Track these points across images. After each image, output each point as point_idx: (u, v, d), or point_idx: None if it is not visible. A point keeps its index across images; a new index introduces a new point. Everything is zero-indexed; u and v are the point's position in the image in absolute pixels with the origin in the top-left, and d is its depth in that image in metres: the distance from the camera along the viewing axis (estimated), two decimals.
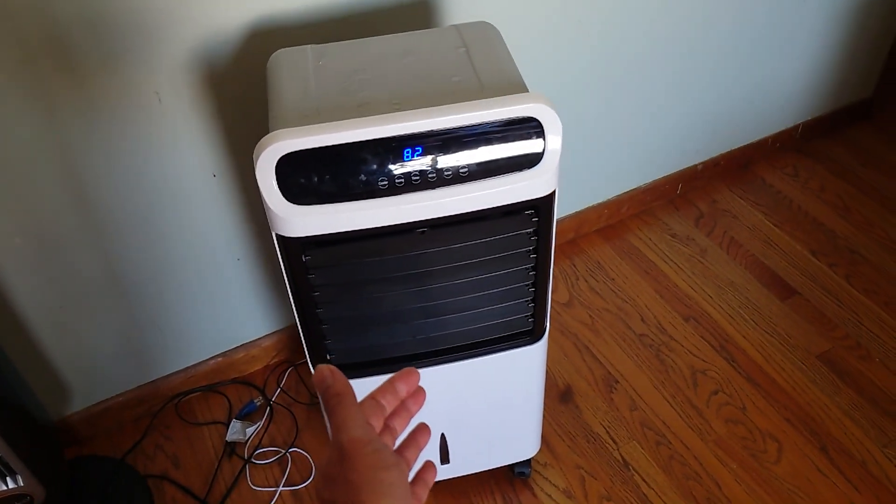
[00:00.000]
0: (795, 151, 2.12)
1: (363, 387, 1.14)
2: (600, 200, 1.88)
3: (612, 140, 1.76)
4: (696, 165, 1.97)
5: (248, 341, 1.60)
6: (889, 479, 1.41)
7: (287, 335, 1.63)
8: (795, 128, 2.08)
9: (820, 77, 2.00)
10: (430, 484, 0.60)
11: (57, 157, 1.17)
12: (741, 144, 2.02)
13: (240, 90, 1.23)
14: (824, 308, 1.71)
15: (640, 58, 1.63)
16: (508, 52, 1.04)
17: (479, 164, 0.92)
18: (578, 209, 1.86)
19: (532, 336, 1.15)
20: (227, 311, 1.52)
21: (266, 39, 1.19)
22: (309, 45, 1.05)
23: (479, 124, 0.90)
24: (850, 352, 1.62)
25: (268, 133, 0.89)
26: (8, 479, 1.12)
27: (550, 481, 1.43)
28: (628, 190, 1.90)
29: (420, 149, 0.90)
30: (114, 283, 1.35)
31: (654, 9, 1.55)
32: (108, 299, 1.37)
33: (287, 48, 1.06)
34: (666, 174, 1.93)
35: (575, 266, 1.84)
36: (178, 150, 1.25)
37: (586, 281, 1.80)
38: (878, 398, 1.53)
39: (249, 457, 1.48)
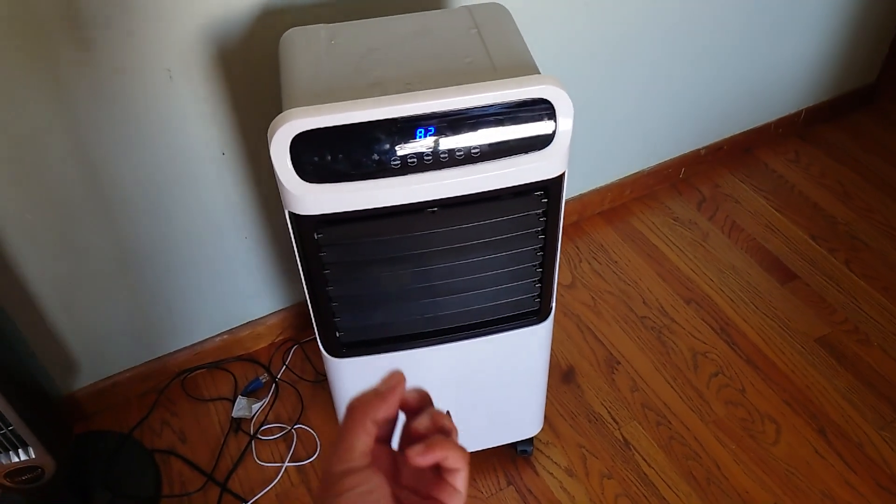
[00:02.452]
0: (797, 137, 2.13)
1: (371, 364, 1.16)
2: (604, 183, 1.89)
3: (616, 123, 1.77)
4: (698, 150, 1.98)
5: (253, 319, 1.61)
6: (885, 461, 1.43)
7: (292, 313, 1.64)
8: (798, 113, 2.09)
9: (823, 62, 2.01)
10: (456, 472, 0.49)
11: (68, 134, 1.17)
12: (744, 129, 2.03)
13: (250, 69, 1.24)
14: (824, 292, 1.73)
15: (645, 41, 1.64)
16: (519, 33, 1.05)
17: (490, 145, 0.93)
18: (582, 192, 1.87)
19: (538, 316, 1.16)
20: (233, 289, 1.53)
21: (278, 18, 1.19)
22: (321, 25, 1.06)
23: (491, 105, 0.91)
24: (848, 336, 1.64)
25: (278, 112, 0.90)
26: (20, 450, 1.13)
27: (552, 459, 1.46)
28: (631, 173, 1.91)
29: (432, 129, 0.91)
30: (123, 259, 1.36)
31: None
32: (117, 276, 1.38)
33: (299, 27, 1.06)
34: (669, 158, 1.94)
35: (578, 248, 1.85)
36: (188, 127, 1.26)
37: (589, 263, 1.81)
38: (875, 382, 1.55)
39: (255, 433, 1.50)
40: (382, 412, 0.49)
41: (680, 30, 1.66)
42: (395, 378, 0.49)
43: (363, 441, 0.48)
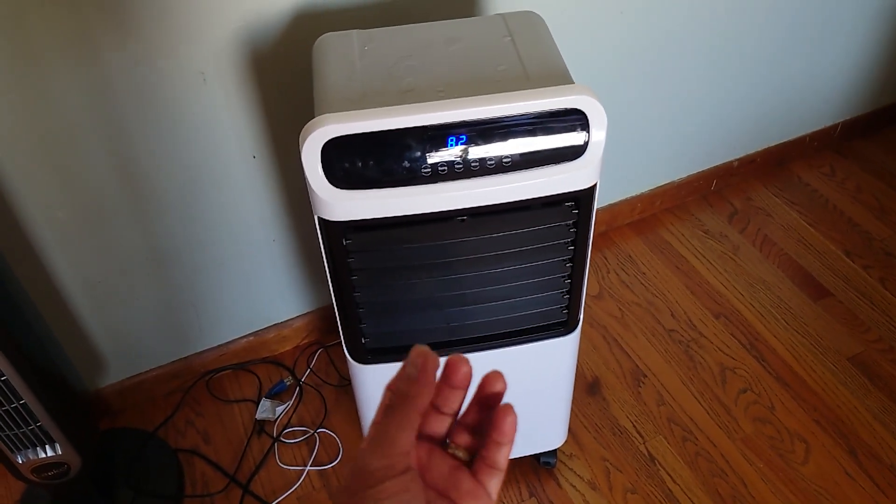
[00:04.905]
0: (833, 151, 2.09)
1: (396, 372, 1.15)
2: (633, 194, 1.87)
3: (647, 133, 1.75)
4: (731, 161, 1.95)
5: (279, 322, 1.61)
6: None
7: (318, 317, 1.64)
8: (834, 126, 2.05)
9: (861, 76, 1.97)
10: (498, 469, 0.47)
11: (101, 133, 1.18)
12: (778, 142, 2.00)
13: (283, 73, 1.24)
14: (857, 310, 1.69)
15: (679, 50, 1.62)
16: (554, 41, 1.04)
17: (521, 155, 0.92)
18: (612, 202, 1.85)
19: (565, 327, 1.15)
20: (260, 291, 1.53)
21: (311, 23, 1.19)
22: (355, 30, 1.06)
23: (524, 114, 0.90)
24: (882, 355, 1.60)
25: (311, 117, 0.90)
26: (46, 447, 1.14)
27: (576, 472, 1.44)
28: (662, 184, 1.89)
29: (464, 137, 0.90)
30: (152, 259, 1.37)
31: (694, 1, 1.54)
32: (146, 275, 1.39)
33: (333, 32, 1.06)
34: (701, 169, 1.92)
35: (606, 259, 1.83)
36: (220, 130, 1.27)
37: (617, 274, 1.80)
38: None
39: (278, 435, 1.50)
40: (426, 402, 0.44)
41: (717, 41, 1.64)
42: (427, 359, 0.44)
43: (407, 436, 0.44)
